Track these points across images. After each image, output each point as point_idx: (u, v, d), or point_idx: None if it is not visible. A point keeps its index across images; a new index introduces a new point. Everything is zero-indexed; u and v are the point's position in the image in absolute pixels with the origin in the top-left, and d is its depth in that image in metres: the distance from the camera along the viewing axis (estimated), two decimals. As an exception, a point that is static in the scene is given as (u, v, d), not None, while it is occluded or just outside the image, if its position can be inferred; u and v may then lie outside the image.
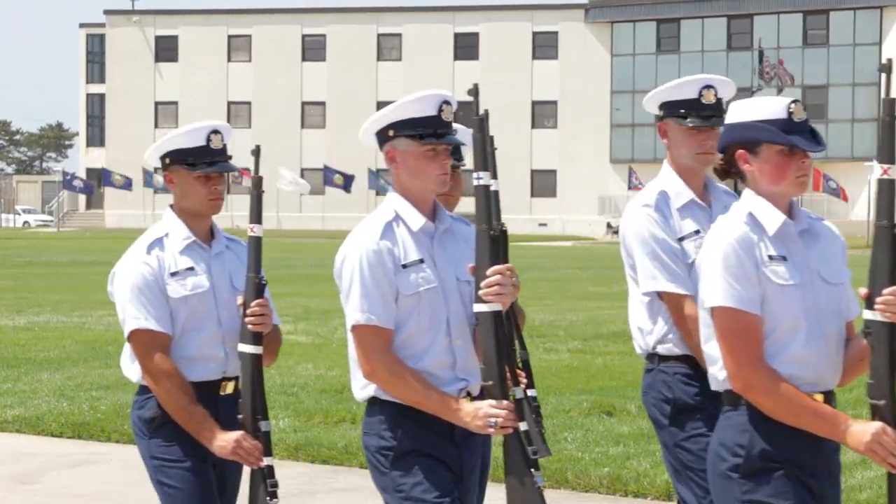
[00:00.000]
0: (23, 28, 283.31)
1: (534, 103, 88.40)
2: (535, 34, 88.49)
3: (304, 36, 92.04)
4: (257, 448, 4.91)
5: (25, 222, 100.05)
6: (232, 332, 5.05)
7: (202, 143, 5.23)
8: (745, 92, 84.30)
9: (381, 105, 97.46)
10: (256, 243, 5.02)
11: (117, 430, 10.43)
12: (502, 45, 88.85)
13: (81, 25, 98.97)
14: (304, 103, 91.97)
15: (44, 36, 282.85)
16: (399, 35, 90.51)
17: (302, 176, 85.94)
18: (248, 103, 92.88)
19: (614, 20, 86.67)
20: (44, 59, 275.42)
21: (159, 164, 5.31)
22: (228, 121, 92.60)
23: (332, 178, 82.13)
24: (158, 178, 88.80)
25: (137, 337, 5.09)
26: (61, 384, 12.46)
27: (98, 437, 10.43)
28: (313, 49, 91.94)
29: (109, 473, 9.29)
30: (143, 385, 5.14)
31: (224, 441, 4.92)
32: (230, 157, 5.27)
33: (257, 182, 5.14)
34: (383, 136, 4.58)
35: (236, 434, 4.92)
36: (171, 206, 5.40)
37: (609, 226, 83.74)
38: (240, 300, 4.98)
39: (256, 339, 4.95)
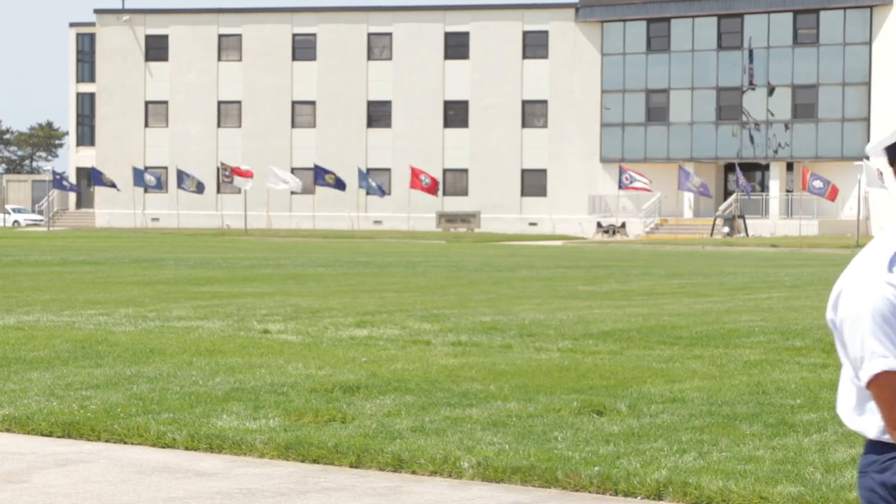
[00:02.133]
0: (12, 27, 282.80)
1: (524, 102, 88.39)
2: (525, 33, 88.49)
3: (294, 35, 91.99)
4: None
5: (15, 222, 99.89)
6: None
7: None
8: (734, 91, 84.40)
9: (371, 104, 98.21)
10: None
11: (107, 429, 10.42)
12: (492, 45, 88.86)
13: (71, 25, 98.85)
14: (294, 102, 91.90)
15: (34, 35, 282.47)
16: (389, 34, 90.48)
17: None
18: (239, 102, 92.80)
19: (604, 19, 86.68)
20: (34, 58, 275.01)
21: (884, 156, 4.09)
22: (218, 120, 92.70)
23: (322, 178, 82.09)
24: (150, 178, 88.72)
25: (885, 380, 3.86)
26: (51, 383, 12.45)
27: (88, 437, 10.42)
28: (303, 48, 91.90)
29: (99, 473, 9.28)
30: (883, 442, 3.98)
31: None
32: None
33: None
34: None
35: None
36: None
37: (599, 225, 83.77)
38: None
39: None
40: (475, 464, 9.18)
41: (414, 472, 9.23)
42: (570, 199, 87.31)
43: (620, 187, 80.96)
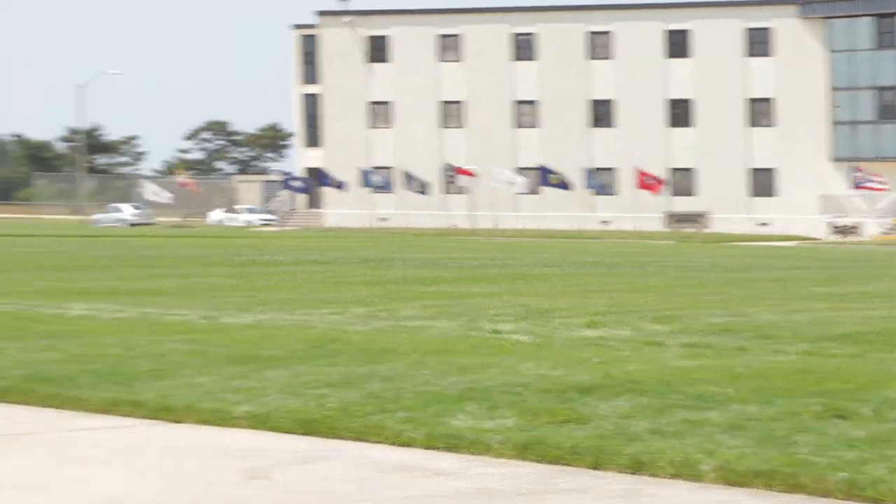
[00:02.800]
0: (236, 30, 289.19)
1: (749, 101, 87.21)
2: (747, 31, 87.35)
3: (513, 35, 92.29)
4: None
5: (248, 222, 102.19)
6: None
7: None
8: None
9: (593, 104, 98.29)
10: None
11: (345, 427, 10.53)
12: (714, 43, 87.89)
13: (294, 27, 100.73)
14: (515, 102, 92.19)
15: (256, 38, 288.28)
16: (607, 33, 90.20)
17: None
18: (460, 103, 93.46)
19: (828, 16, 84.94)
20: (257, 60, 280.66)
21: None
22: (441, 121, 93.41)
23: (547, 178, 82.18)
24: (377, 178, 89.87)
25: None
26: (288, 381, 12.64)
27: (326, 434, 10.54)
28: (523, 48, 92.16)
29: (339, 471, 9.38)
30: None
31: None
32: None
33: None
34: None
35: None
36: None
37: (832, 225, 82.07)
38: None
39: None
40: (716, 467, 9.03)
41: (653, 475, 9.11)
42: (799, 198, 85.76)
43: (854, 187, 79.20)
